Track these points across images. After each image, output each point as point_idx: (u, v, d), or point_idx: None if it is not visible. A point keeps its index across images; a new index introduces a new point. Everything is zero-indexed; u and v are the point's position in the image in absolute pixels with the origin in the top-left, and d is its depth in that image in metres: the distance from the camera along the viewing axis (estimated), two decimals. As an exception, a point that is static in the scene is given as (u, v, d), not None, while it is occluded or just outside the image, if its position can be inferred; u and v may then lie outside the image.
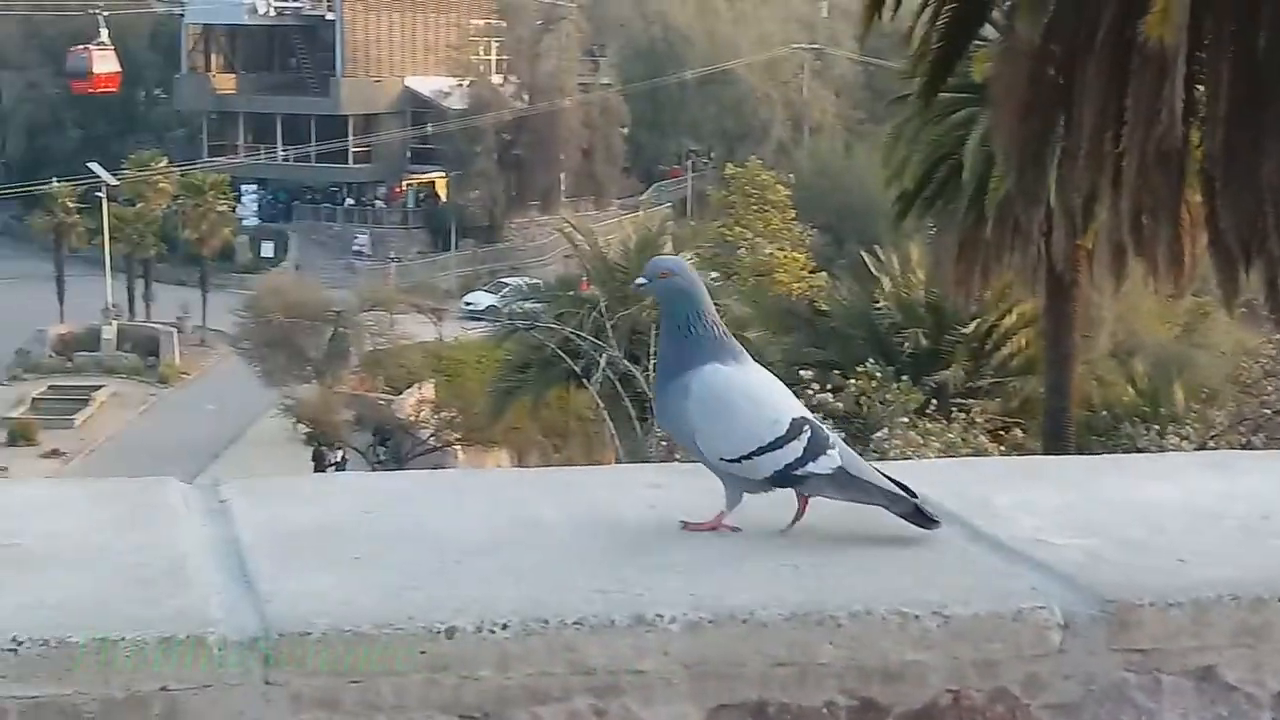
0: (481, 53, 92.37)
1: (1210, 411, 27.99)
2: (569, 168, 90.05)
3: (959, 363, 32.96)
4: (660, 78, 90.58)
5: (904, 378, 28.04)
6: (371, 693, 2.24)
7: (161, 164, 74.76)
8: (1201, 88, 17.65)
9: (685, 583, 2.45)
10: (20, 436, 55.37)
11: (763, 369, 2.87)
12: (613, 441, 28.06)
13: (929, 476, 3.10)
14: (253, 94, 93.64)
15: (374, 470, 44.53)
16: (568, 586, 2.42)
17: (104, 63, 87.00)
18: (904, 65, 24.92)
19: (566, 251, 53.23)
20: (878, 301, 35.45)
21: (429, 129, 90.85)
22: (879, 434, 23.19)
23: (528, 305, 44.50)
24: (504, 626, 2.27)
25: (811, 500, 2.77)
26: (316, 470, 47.71)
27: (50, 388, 62.36)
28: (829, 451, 2.74)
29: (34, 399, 60.57)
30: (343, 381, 54.84)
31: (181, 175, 74.70)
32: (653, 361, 29.01)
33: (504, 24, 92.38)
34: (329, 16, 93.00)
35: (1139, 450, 24.37)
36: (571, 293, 41.62)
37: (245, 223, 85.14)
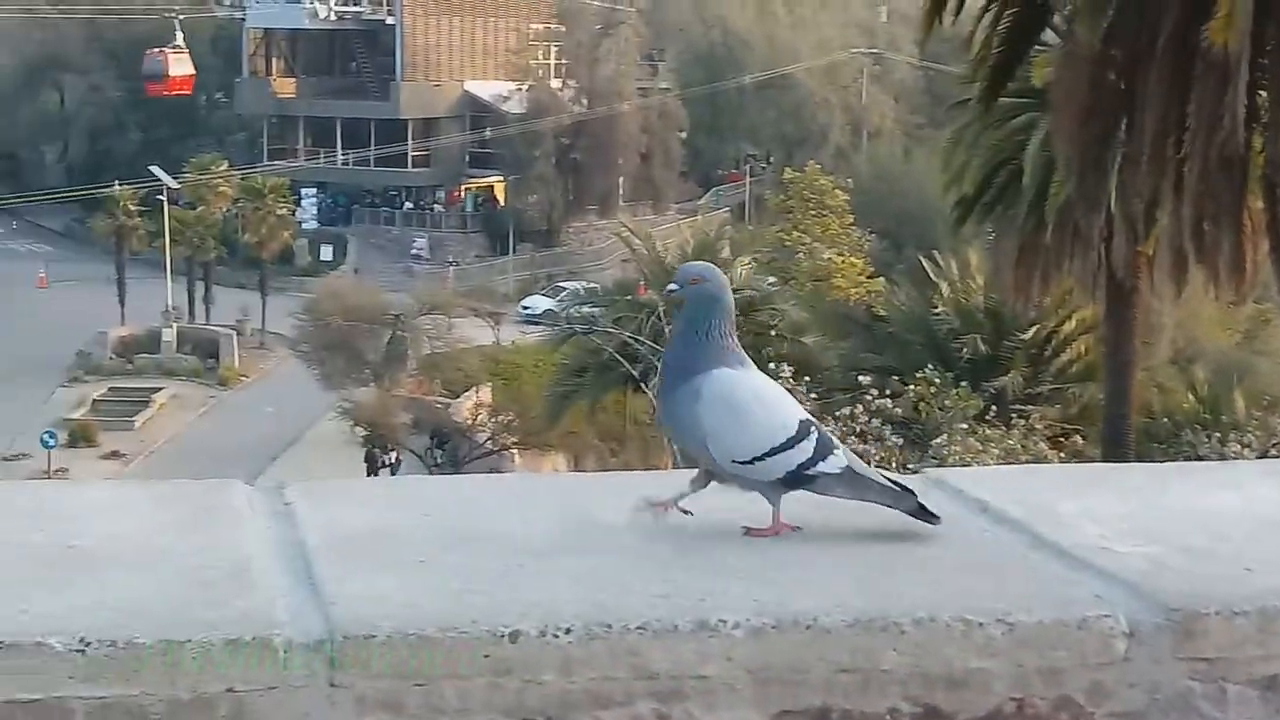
0: (540, 57, 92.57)
1: (1272, 419, 27.83)
2: (627, 172, 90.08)
3: (1018, 369, 32.82)
4: (719, 82, 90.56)
5: (962, 384, 27.92)
6: (435, 696, 2.24)
7: (222, 167, 75.17)
8: (1264, 93, 17.55)
9: (747, 588, 2.45)
10: (81, 438, 55.72)
11: (764, 375, 2.90)
12: (670, 446, 28.01)
13: (991, 483, 3.10)
14: (313, 98, 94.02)
15: (431, 473, 44.64)
16: (630, 591, 2.42)
17: (179, 66, 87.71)
18: (964, 70, 24.89)
19: (624, 256, 53.31)
20: (936, 307, 35.36)
21: (488, 133, 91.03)
22: (938, 440, 23.11)
23: (585, 309, 44.56)
24: (567, 631, 2.27)
25: (818, 500, 2.78)
26: (369, 472, 47.87)
27: (110, 389, 62.76)
28: (836, 451, 2.78)
29: (94, 401, 60.96)
30: (400, 384, 55.00)
31: (242, 179, 75.08)
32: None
33: (563, 28, 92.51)
34: (389, 21, 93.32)
35: (1199, 458, 24.24)
36: (629, 297, 41.66)
37: (305, 226, 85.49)
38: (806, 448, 2.76)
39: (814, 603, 2.38)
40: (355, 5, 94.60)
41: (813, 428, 2.79)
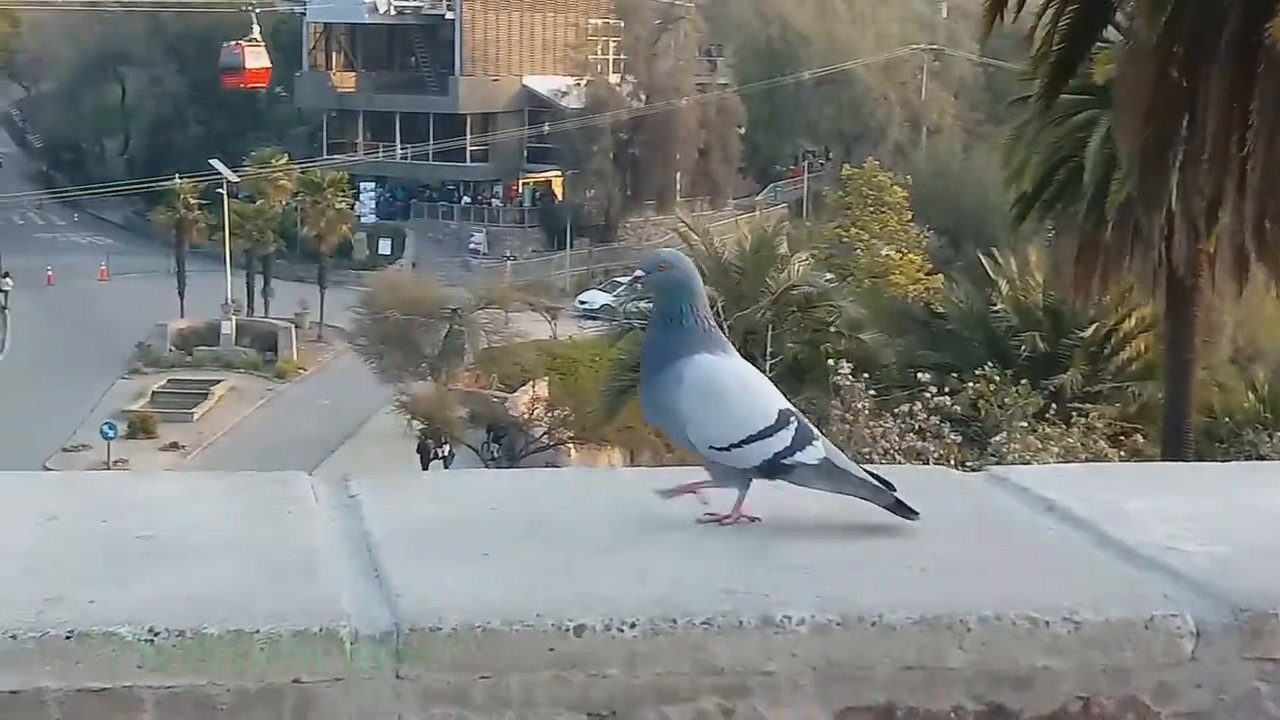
0: (599, 52, 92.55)
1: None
2: (685, 167, 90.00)
3: (1076, 367, 32.67)
4: (777, 78, 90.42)
5: (1022, 381, 27.80)
6: (501, 689, 2.25)
7: (282, 161, 75.37)
8: (1329, 91, 17.42)
9: (812, 584, 2.44)
10: (140, 429, 56.01)
11: (746, 361, 2.88)
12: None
13: (1056, 482, 3.09)
14: (372, 92, 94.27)
15: (487, 468, 44.75)
16: (695, 586, 2.42)
17: (256, 58, 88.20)
18: (1025, 66, 24.77)
19: (681, 251, 53.19)
20: (995, 304, 35.23)
21: (546, 128, 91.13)
22: (997, 438, 23.02)
23: (642, 304, 44.54)
24: (632, 625, 2.28)
25: (797, 491, 2.78)
26: (423, 465, 47.99)
27: (170, 381, 63.08)
28: (814, 442, 2.77)
29: (154, 392, 61.30)
30: (457, 378, 55.04)
31: (301, 172, 75.31)
32: (769, 361, 29.03)
33: (622, 23, 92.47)
34: (448, 16, 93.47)
35: (1260, 458, 24.08)
36: (686, 292, 41.55)
37: (363, 220, 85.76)
38: (785, 436, 2.75)
39: (879, 599, 2.38)
40: (414, 0, 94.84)
41: (792, 417, 2.78)
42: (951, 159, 79.94)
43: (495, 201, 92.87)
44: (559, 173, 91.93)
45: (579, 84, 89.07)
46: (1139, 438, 28.50)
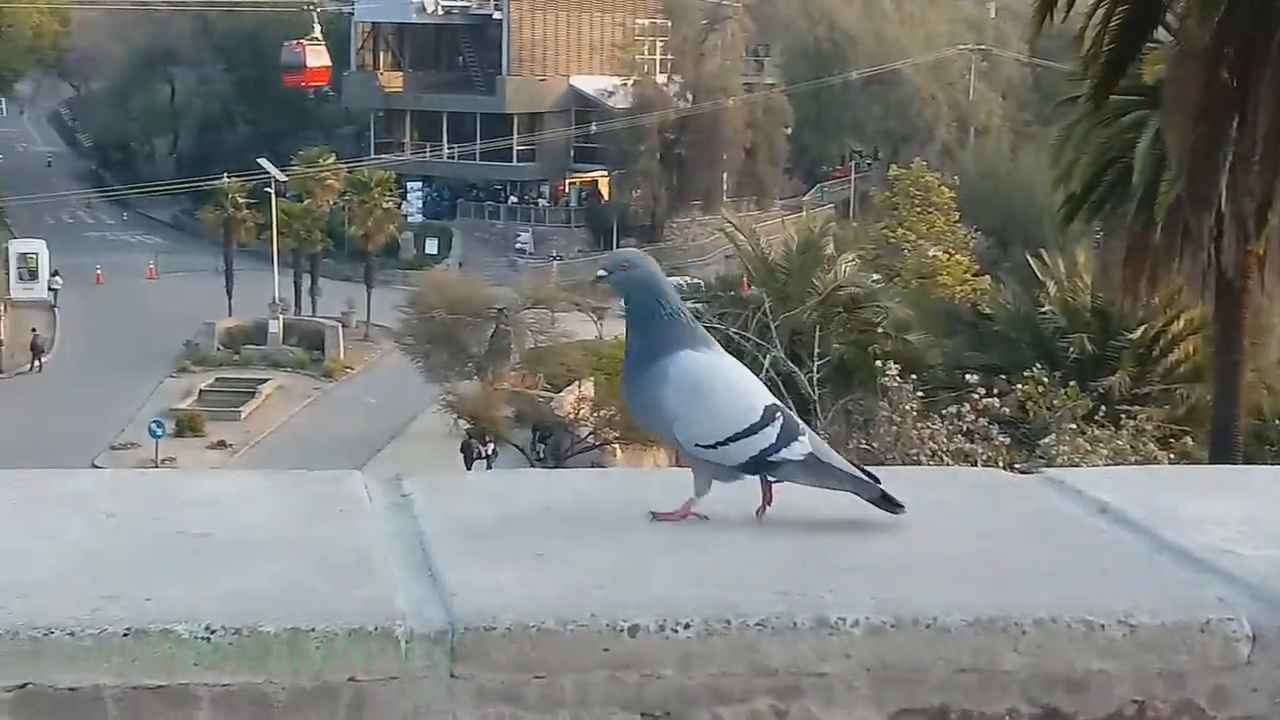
0: (646, 52, 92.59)
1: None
2: (731, 167, 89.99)
3: (1124, 369, 32.53)
4: (825, 78, 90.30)
5: (1070, 383, 27.70)
6: (554, 688, 2.25)
7: (329, 161, 75.64)
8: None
9: (866, 585, 2.44)
10: (188, 428, 56.28)
11: (731, 357, 2.88)
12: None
13: (1112, 483, 3.08)
14: (419, 92, 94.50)
15: (533, 467, 44.81)
16: (749, 587, 2.42)
17: (316, 57, 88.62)
18: (1074, 67, 24.68)
19: (728, 251, 53.26)
20: (1042, 306, 35.11)
21: (592, 128, 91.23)
22: (1046, 439, 22.93)
23: (688, 305, 44.51)
24: (686, 626, 2.28)
25: (782, 487, 2.78)
26: (466, 465, 48.09)
27: (217, 380, 63.37)
28: (800, 438, 2.76)
29: (201, 391, 61.58)
30: (503, 378, 55.12)
31: (348, 172, 75.56)
32: (815, 363, 28.97)
33: (669, 24, 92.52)
34: (496, 15, 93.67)
35: (1310, 461, 23.93)
36: (732, 293, 41.60)
37: (410, 219, 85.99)
38: (770, 433, 2.75)
39: (934, 602, 2.37)
40: (462, 0, 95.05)
41: (778, 413, 2.78)
42: (999, 159, 79.73)
43: (541, 201, 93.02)
44: (605, 173, 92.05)
45: (626, 84, 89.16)
46: (1188, 440, 28.35)
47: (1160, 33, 22.38)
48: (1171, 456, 24.63)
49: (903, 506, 2.74)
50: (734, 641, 2.28)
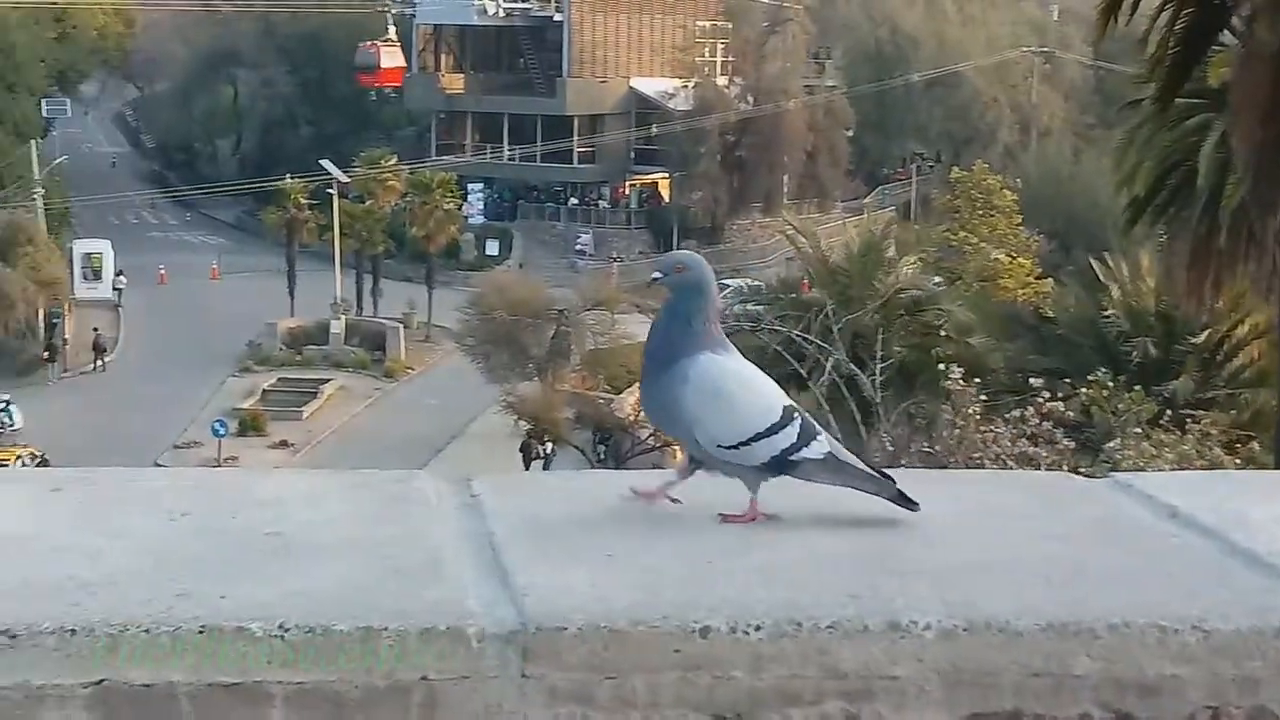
0: (707, 54, 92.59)
1: None
2: (792, 170, 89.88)
3: (1189, 373, 32.33)
4: (886, 80, 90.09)
5: (1136, 387, 27.54)
6: (626, 689, 2.26)
7: (391, 162, 75.89)
8: None
9: (935, 588, 2.43)
10: (250, 427, 56.62)
11: (748, 361, 2.90)
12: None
13: (1181, 488, 3.06)
14: (481, 94, 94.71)
15: (593, 468, 44.86)
16: (820, 589, 2.42)
17: (391, 58, 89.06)
18: (1138, 69, 24.55)
19: (788, 253, 53.18)
20: (1106, 309, 34.93)
21: (653, 130, 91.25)
22: (1110, 444, 22.80)
23: (749, 307, 44.47)
24: (758, 628, 2.28)
25: (811, 489, 2.80)
26: (525, 465, 48.19)
27: (280, 380, 63.70)
28: (819, 437, 2.80)
29: (264, 390, 61.92)
30: (564, 380, 55.19)
31: (410, 173, 75.79)
32: (879, 365, 28.90)
33: (729, 25, 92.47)
34: (557, 17, 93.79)
35: (1376, 466, 23.70)
36: (793, 295, 41.56)
37: (471, 221, 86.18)
38: (790, 433, 2.78)
39: (1005, 605, 2.37)
40: (524, 2, 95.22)
41: (796, 413, 2.81)
42: (1062, 162, 79.37)
43: (602, 203, 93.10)
44: (666, 174, 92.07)
45: (687, 86, 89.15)
46: (1254, 445, 28.14)
47: (1226, 35, 22.23)
48: (1238, 461, 24.44)
49: (918, 505, 2.76)
50: (805, 644, 2.28)
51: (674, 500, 2.85)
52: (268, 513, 2.74)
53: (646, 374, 2.89)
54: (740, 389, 2.81)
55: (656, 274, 2.91)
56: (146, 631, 2.20)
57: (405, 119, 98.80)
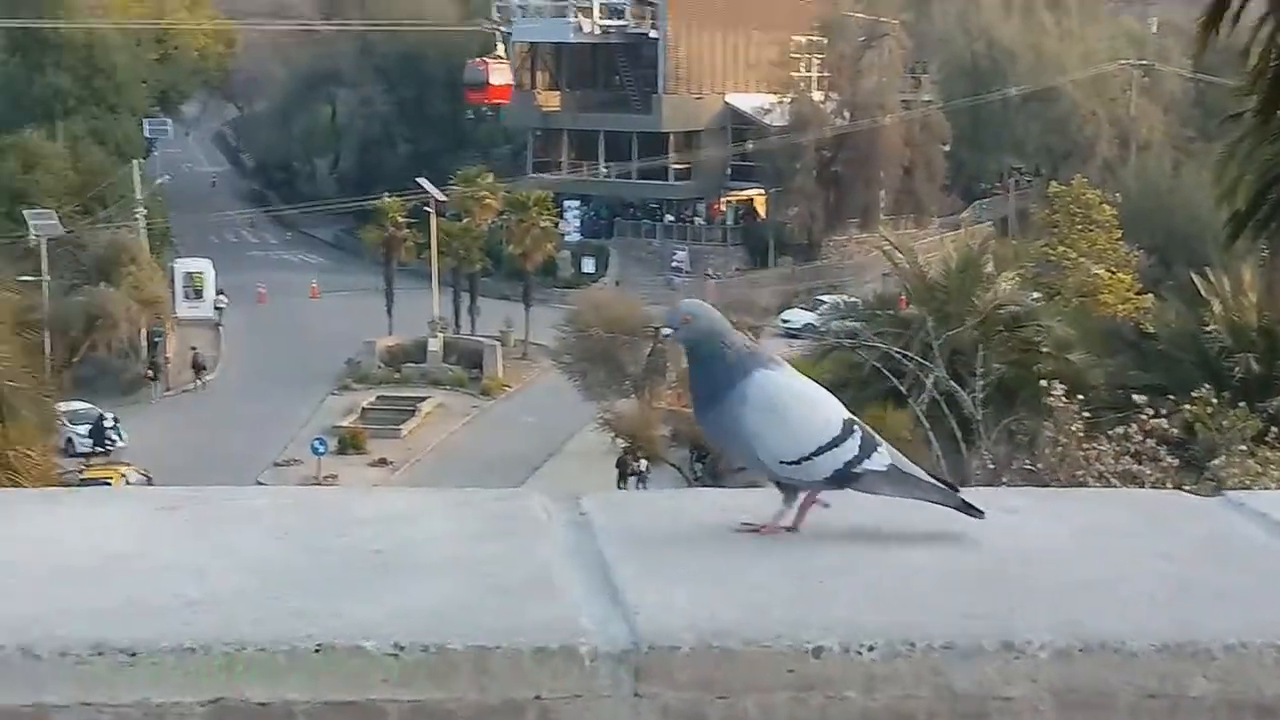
0: (803, 69, 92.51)
1: None
2: (889, 185, 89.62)
3: (1291, 390, 31.94)
4: (983, 95, 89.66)
5: (1239, 404, 27.24)
6: (738, 709, 2.25)
7: (488, 180, 76.24)
8: None
9: (1050, 608, 2.42)
10: (349, 445, 56.98)
11: (802, 375, 2.90)
12: (938, 463, 27.77)
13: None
14: (577, 111, 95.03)
15: (690, 486, 44.84)
16: (933, 608, 2.40)
17: (500, 75, 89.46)
18: (1239, 82, 24.29)
19: (885, 270, 52.97)
20: (1207, 325, 34.57)
21: (749, 146, 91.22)
22: (1215, 461, 22.54)
23: (846, 323, 44.36)
24: (871, 648, 2.27)
25: (862, 498, 2.80)
26: (620, 481, 48.23)
27: (379, 398, 64.11)
28: (880, 449, 2.79)
29: (363, 408, 62.33)
30: (660, 397, 55.23)
31: (507, 191, 76.13)
32: (980, 382, 28.71)
33: (825, 41, 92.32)
34: (652, 34, 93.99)
35: None
36: (890, 311, 41.42)
37: (567, 238, 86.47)
38: (851, 446, 2.77)
39: (1119, 626, 2.35)
40: (619, 19, 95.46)
41: (856, 426, 2.80)
42: (1161, 176, 78.68)
43: (698, 220, 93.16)
44: (762, 191, 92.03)
45: (782, 101, 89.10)
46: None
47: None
48: (1346, 481, 24.13)
49: (983, 512, 2.76)
50: (918, 664, 2.27)
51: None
52: (372, 531, 2.75)
53: (701, 404, 2.89)
54: (798, 404, 2.81)
55: (667, 331, 2.91)
56: (263, 649, 2.22)
57: (502, 137, 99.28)
